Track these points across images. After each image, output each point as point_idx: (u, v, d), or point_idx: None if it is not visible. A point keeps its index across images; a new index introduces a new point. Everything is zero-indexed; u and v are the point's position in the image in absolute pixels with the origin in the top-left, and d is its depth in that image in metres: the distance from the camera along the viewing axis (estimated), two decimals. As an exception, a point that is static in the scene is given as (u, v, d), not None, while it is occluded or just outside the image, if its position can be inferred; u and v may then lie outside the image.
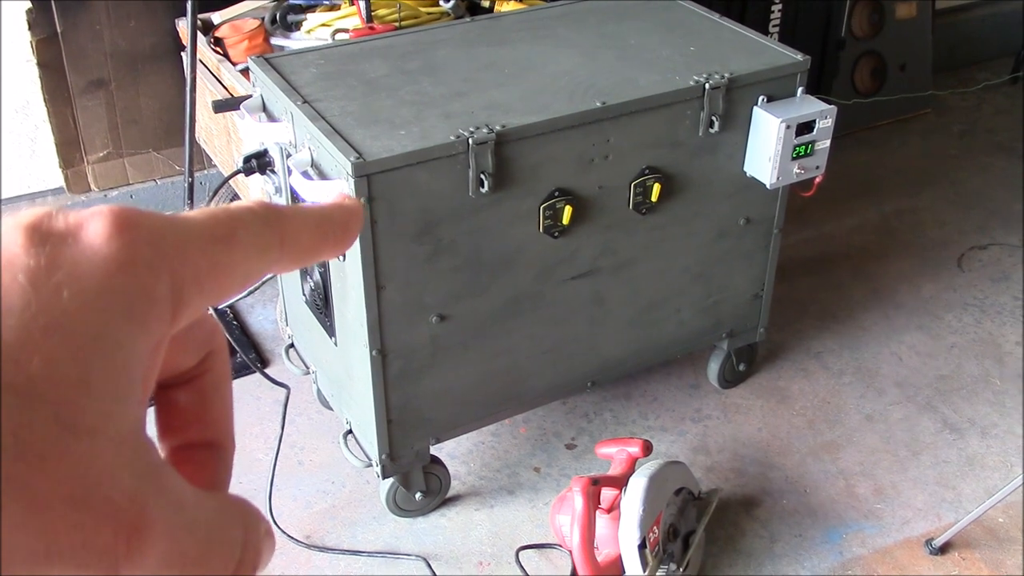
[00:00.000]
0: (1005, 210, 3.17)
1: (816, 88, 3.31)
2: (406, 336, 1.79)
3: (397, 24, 2.34)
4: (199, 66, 2.38)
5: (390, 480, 2.01)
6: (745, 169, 2.01)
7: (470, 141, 1.66)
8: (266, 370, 2.35)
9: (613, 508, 1.87)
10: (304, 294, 2.03)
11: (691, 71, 1.90)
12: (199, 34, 2.36)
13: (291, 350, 2.27)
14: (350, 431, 2.02)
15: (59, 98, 2.75)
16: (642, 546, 1.78)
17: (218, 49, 2.43)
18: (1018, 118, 3.75)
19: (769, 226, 2.16)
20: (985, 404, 2.41)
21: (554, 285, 1.92)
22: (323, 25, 2.38)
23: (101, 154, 2.87)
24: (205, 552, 0.26)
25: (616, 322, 2.06)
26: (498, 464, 2.22)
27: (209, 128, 2.56)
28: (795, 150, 1.94)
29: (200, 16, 2.42)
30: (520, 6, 2.37)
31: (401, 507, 2.06)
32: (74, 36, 2.68)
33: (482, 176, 1.70)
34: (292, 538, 2.03)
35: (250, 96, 1.94)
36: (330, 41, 2.29)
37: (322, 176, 1.70)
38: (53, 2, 2.61)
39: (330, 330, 1.94)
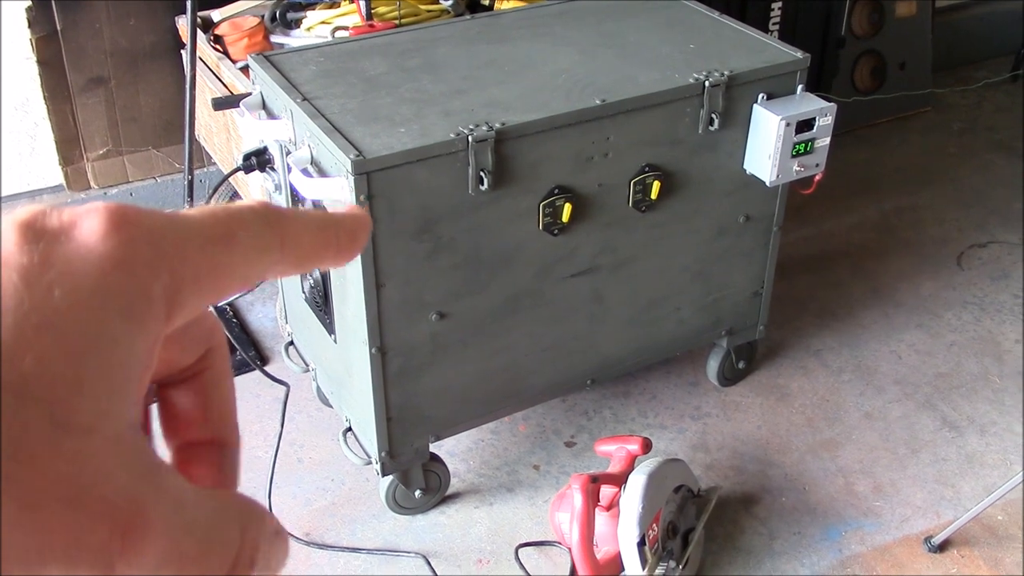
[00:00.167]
0: (1005, 208, 3.17)
1: (816, 86, 3.31)
2: (406, 334, 1.79)
3: (397, 22, 2.34)
4: (199, 64, 2.38)
5: (390, 477, 2.01)
6: (745, 167, 2.01)
7: (470, 139, 1.66)
8: (266, 368, 2.35)
9: (612, 506, 1.87)
10: (304, 292, 2.03)
11: (691, 69, 1.90)
12: (199, 32, 2.36)
13: (291, 348, 2.27)
14: (350, 428, 2.03)
15: (59, 96, 2.75)
16: (641, 543, 1.78)
17: (218, 47, 2.43)
18: (1018, 116, 3.75)
19: (769, 224, 2.16)
20: (984, 402, 2.41)
21: (553, 283, 1.92)
22: (323, 23, 2.38)
23: (101, 152, 2.87)
24: (204, 551, 0.25)
25: (615, 320, 2.06)
26: (497, 462, 2.23)
27: (209, 126, 2.56)
28: (795, 148, 1.94)
29: (200, 14, 2.42)
30: (520, 4, 2.37)
31: (401, 504, 2.07)
32: (74, 34, 2.68)
33: (482, 174, 1.70)
34: (291, 535, 2.03)
35: (250, 94, 1.94)
36: (330, 39, 2.29)
37: (322, 173, 1.70)
38: (53, 0, 2.61)
39: (330, 328, 1.94)
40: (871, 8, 3.48)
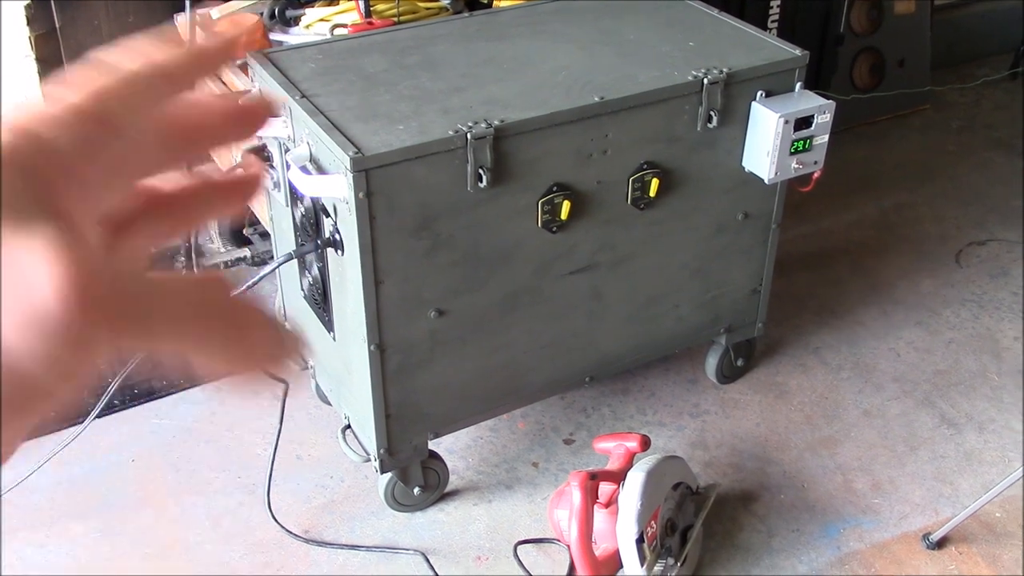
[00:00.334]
0: (1003, 206, 3.18)
1: (815, 84, 3.30)
2: (404, 331, 1.79)
3: (395, 19, 2.34)
4: (198, 61, 2.38)
5: (388, 475, 2.01)
6: (743, 164, 2.01)
7: (468, 136, 1.66)
8: (265, 365, 2.35)
9: (611, 503, 1.87)
10: (302, 289, 2.03)
11: (689, 66, 1.90)
12: (198, 29, 2.36)
13: (290, 345, 2.27)
14: (348, 426, 2.03)
15: (58, 93, 2.75)
16: (640, 540, 1.78)
17: (217, 44, 2.42)
18: (1017, 114, 3.75)
19: (767, 221, 2.16)
20: (983, 399, 2.41)
21: (552, 280, 1.92)
22: (321, 20, 2.38)
23: (100, 149, 2.87)
24: None
25: (614, 317, 2.07)
26: (496, 459, 2.23)
27: (208, 123, 2.56)
28: (793, 145, 1.94)
29: (199, 12, 2.42)
30: (518, 1, 2.37)
31: (399, 502, 2.07)
32: (72, 32, 2.68)
33: (480, 171, 1.70)
34: (291, 532, 2.04)
35: (249, 91, 1.94)
36: (328, 36, 2.29)
37: (321, 171, 1.70)
38: (52, -2, 2.61)
39: (328, 325, 1.94)
40: (870, 5, 3.48)
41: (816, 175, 2.04)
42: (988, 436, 2.30)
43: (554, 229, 1.85)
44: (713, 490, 2.01)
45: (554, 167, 1.79)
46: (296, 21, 2.43)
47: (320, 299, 1.94)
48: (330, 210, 1.73)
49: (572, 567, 1.85)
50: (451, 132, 1.66)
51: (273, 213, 2.12)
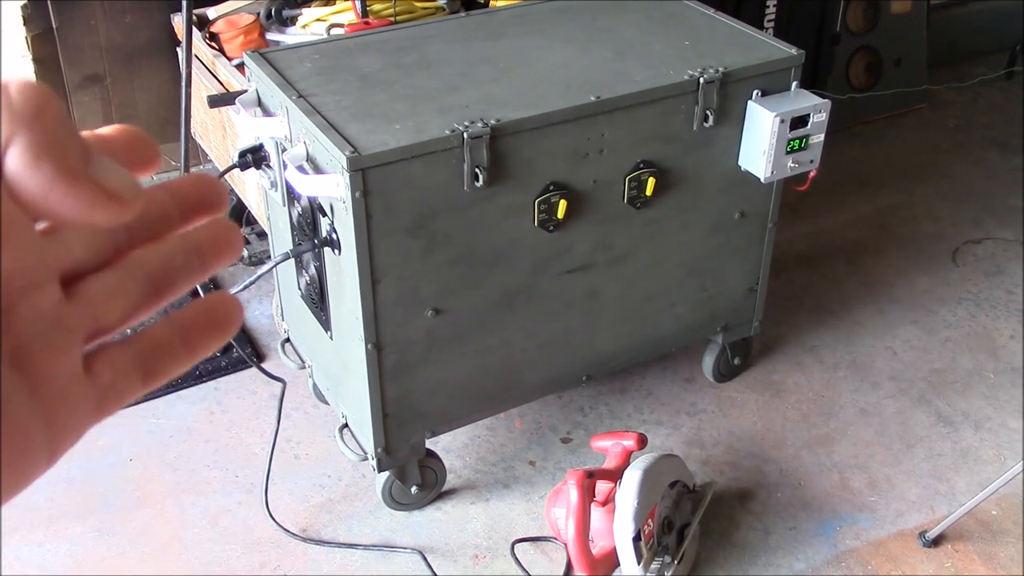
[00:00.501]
0: (999, 205, 3.18)
1: (811, 83, 3.31)
2: (401, 330, 1.80)
3: (392, 19, 2.35)
4: (194, 61, 2.39)
5: (386, 474, 2.01)
6: (739, 163, 2.01)
7: (465, 135, 1.66)
8: (262, 364, 2.36)
9: (608, 501, 1.87)
10: (300, 288, 2.03)
11: (686, 65, 1.91)
12: (194, 29, 2.37)
13: (287, 345, 2.28)
14: (346, 425, 2.03)
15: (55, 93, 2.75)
16: (637, 539, 1.79)
17: (213, 44, 2.43)
18: (1013, 113, 3.76)
19: (763, 220, 2.17)
20: (979, 397, 2.42)
21: (549, 279, 1.93)
22: (318, 20, 2.38)
23: (97, 149, 2.87)
24: None
25: (611, 316, 2.07)
26: (494, 458, 2.23)
27: (205, 123, 2.57)
28: (789, 144, 1.95)
29: (195, 11, 2.42)
30: (514, 0, 2.38)
31: (397, 500, 2.07)
32: (69, 31, 2.68)
33: (477, 170, 1.70)
34: (288, 531, 2.04)
35: (245, 91, 1.95)
36: (325, 36, 2.29)
37: (317, 170, 1.71)
38: (48, -3, 2.62)
39: (326, 324, 1.94)
40: (866, 4, 3.49)
41: (812, 174, 2.05)
42: (984, 434, 2.31)
43: (551, 228, 1.86)
44: (710, 488, 2.02)
45: (550, 166, 1.80)
46: (293, 21, 2.44)
47: (317, 298, 1.94)
48: (327, 209, 1.73)
49: (569, 565, 1.85)
50: (447, 131, 1.67)
51: (270, 213, 2.12)
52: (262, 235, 2.67)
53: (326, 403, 2.30)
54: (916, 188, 3.28)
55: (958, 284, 2.81)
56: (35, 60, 2.69)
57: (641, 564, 1.80)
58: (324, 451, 2.23)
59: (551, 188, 1.81)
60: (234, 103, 1.92)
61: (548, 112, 1.75)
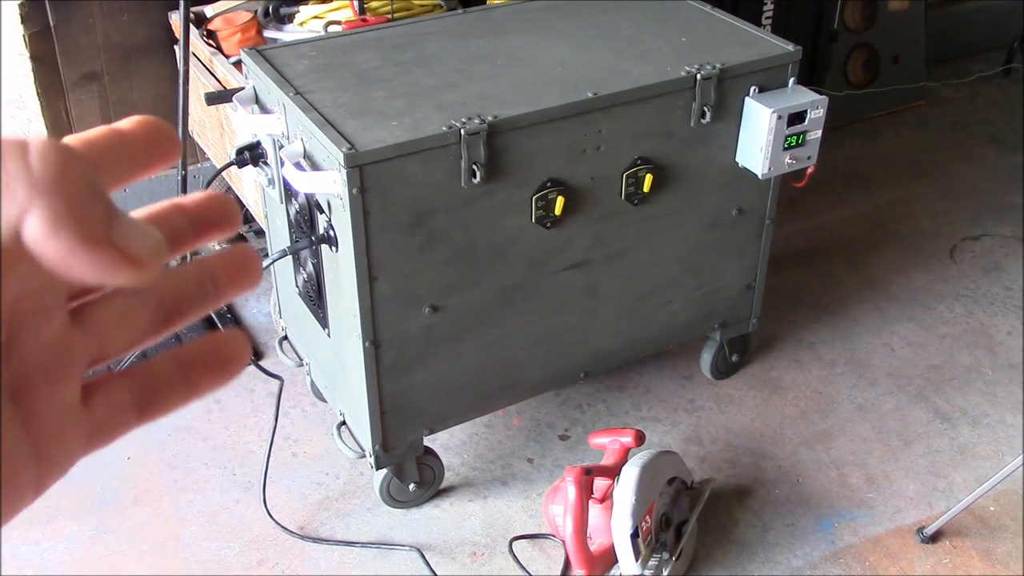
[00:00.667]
0: (997, 201, 3.18)
1: (809, 81, 3.31)
2: (399, 327, 1.80)
3: (389, 16, 2.35)
4: (192, 59, 2.39)
5: (384, 471, 2.01)
6: (737, 159, 2.01)
7: (462, 132, 1.66)
8: (260, 362, 2.36)
9: (606, 498, 1.87)
10: (297, 286, 2.03)
11: (683, 62, 1.91)
12: (192, 27, 2.36)
13: (285, 342, 2.28)
14: (344, 422, 2.03)
15: (52, 92, 2.75)
16: (635, 535, 1.79)
17: (211, 42, 2.43)
18: (1011, 110, 3.76)
19: (761, 217, 2.16)
20: (976, 394, 2.42)
21: (547, 276, 1.93)
22: (315, 17, 2.38)
23: (94, 148, 2.86)
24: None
25: (609, 313, 2.07)
26: (492, 455, 2.23)
27: (202, 121, 2.56)
28: (787, 140, 1.95)
29: (193, 9, 2.42)
30: (512, -2, 2.37)
31: (395, 498, 2.07)
32: (67, 29, 2.68)
33: (474, 167, 1.70)
34: (286, 529, 2.04)
35: (243, 88, 1.94)
36: (322, 33, 2.29)
37: (315, 167, 1.70)
38: (45, -5, 2.61)
39: (323, 322, 1.94)
40: (864, 2, 3.49)
41: (810, 171, 2.05)
42: (982, 430, 2.31)
43: (548, 225, 1.86)
44: (708, 485, 2.02)
45: (548, 163, 1.80)
46: (290, 18, 2.44)
47: (315, 295, 1.94)
48: (324, 206, 1.73)
49: (567, 562, 1.85)
50: (445, 128, 1.67)
51: (267, 210, 2.12)
52: (260, 232, 2.67)
53: (324, 401, 2.30)
54: (914, 185, 3.28)
55: (956, 281, 2.82)
56: (32, 58, 2.68)
57: (639, 561, 1.80)
58: (322, 449, 2.23)
59: (548, 185, 1.81)
60: (231, 100, 1.92)
61: (545, 108, 1.75)
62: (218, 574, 1.97)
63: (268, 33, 2.42)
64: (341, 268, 1.75)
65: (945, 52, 3.97)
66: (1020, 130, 3.58)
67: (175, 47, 2.59)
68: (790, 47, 1.97)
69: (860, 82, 3.58)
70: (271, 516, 2.05)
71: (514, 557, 1.97)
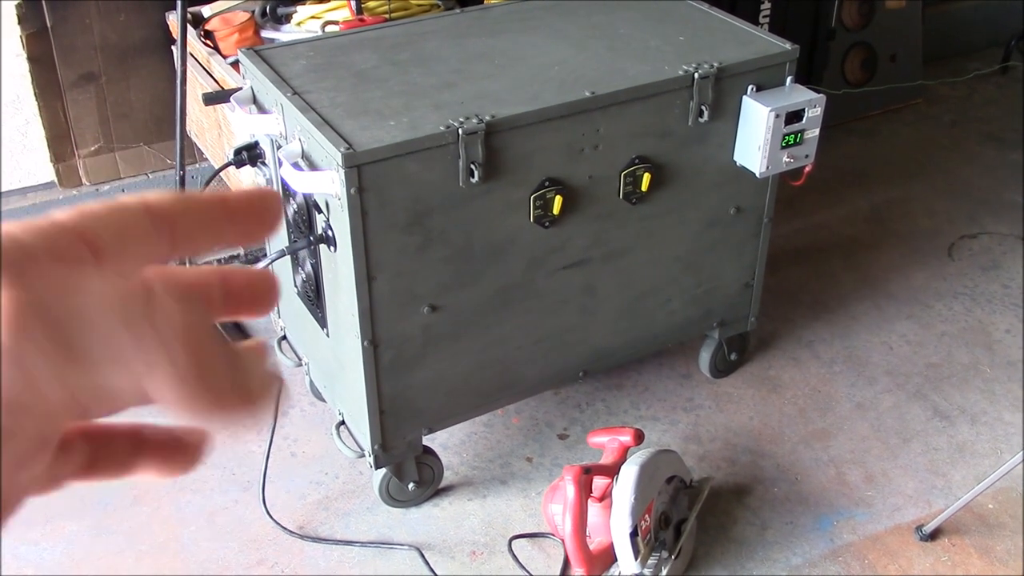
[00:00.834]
0: (995, 199, 3.19)
1: (807, 79, 3.32)
2: (398, 326, 1.80)
3: (387, 15, 2.35)
4: (189, 59, 2.39)
5: (383, 471, 2.01)
6: (735, 158, 2.01)
7: (460, 131, 1.66)
8: (259, 362, 2.35)
9: (605, 497, 1.88)
10: (296, 285, 2.03)
11: (681, 61, 1.91)
12: (189, 27, 2.37)
13: (283, 342, 2.28)
14: (343, 422, 2.03)
15: (49, 92, 2.75)
16: (634, 534, 1.79)
17: (208, 42, 2.43)
18: (1008, 108, 3.76)
19: (759, 215, 2.17)
20: (975, 392, 2.42)
21: (545, 275, 1.93)
22: (313, 17, 2.38)
23: (92, 148, 2.87)
24: None
25: (607, 312, 2.07)
26: (491, 454, 2.23)
27: (200, 121, 2.56)
28: (784, 139, 1.95)
29: (190, 9, 2.42)
30: (510, -3, 2.37)
31: (394, 497, 2.07)
32: (64, 30, 2.68)
33: (472, 166, 1.70)
34: (286, 529, 2.04)
35: (240, 88, 1.95)
36: (320, 33, 2.29)
37: (312, 167, 1.71)
38: (43, -4, 2.61)
39: (322, 321, 1.94)
40: (861, 0, 3.49)
41: (808, 169, 2.05)
42: (980, 428, 2.31)
43: (546, 224, 1.86)
44: (707, 483, 2.02)
45: (546, 162, 1.80)
46: (287, 18, 2.44)
47: (313, 295, 1.94)
48: (322, 206, 1.73)
49: (566, 561, 1.85)
50: (443, 128, 1.67)
51: (266, 210, 2.11)
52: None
53: (323, 400, 2.30)
54: (912, 183, 3.28)
55: (954, 279, 2.82)
56: (30, 59, 2.68)
57: (638, 560, 1.80)
58: (321, 448, 2.23)
59: (546, 184, 1.81)
60: (229, 101, 1.92)
61: (543, 108, 1.75)
62: (217, 574, 1.97)
63: (265, 33, 2.42)
64: (339, 268, 1.75)
65: (942, 50, 3.97)
66: (1018, 128, 3.59)
67: (172, 47, 2.59)
68: (787, 46, 1.97)
69: (858, 80, 3.58)
70: (270, 516, 2.05)
71: (513, 556, 1.98)
